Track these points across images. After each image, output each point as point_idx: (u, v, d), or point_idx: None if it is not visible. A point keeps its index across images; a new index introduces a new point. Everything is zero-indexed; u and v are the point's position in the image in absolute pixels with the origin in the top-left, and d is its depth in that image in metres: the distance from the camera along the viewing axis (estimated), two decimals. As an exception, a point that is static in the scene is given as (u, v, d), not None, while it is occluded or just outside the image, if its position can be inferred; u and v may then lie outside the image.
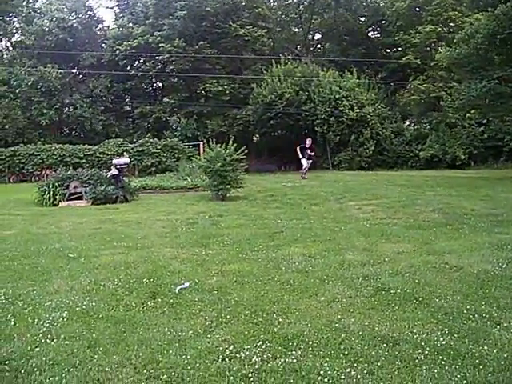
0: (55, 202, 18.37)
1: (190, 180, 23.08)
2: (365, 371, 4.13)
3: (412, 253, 8.50)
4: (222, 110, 37.98)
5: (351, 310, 5.68)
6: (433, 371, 4.11)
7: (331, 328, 5.12)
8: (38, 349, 4.75)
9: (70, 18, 40.96)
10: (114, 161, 20.25)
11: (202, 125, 37.88)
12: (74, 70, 42.84)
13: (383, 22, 43.90)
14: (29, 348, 4.76)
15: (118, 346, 4.77)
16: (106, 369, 4.29)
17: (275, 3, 48.58)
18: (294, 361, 4.35)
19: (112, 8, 47.10)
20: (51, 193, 18.51)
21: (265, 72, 36.33)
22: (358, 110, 33.19)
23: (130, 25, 40.66)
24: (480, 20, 23.05)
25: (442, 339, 4.73)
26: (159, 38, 36.98)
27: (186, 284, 6.80)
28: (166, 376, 4.13)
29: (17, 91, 36.25)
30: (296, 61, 37.97)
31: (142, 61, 41.51)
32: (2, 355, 4.59)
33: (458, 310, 5.57)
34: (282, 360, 4.38)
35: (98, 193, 18.48)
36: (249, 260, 8.34)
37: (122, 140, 34.43)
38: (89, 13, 43.60)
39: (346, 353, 4.49)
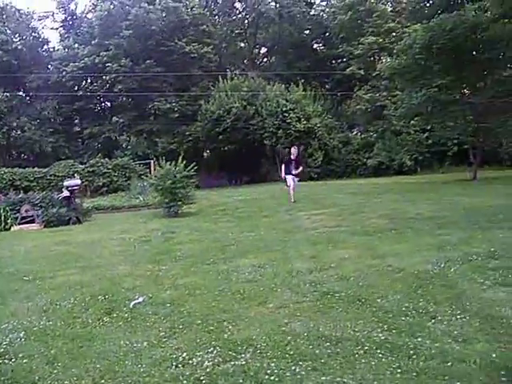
0: (7, 227, 18.24)
1: (141, 198, 23.30)
2: (309, 368, 4.45)
3: (357, 258, 8.85)
4: (171, 128, 38.41)
5: (298, 314, 5.97)
6: (371, 364, 4.45)
7: (278, 332, 5.41)
8: (-3, 369, 4.94)
9: (14, 39, 40.70)
10: (65, 183, 20.36)
11: (152, 143, 38.14)
12: (21, 93, 42.48)
13: (327, 34, 44.99)
14: (-10, 369, 4.95)
15: (76, 361, 4.99)
16: (65, 382, 4.51)
17: (220, 19, 49.24)
18: (243, 363, 4.64)
19: (57, 29, 46.89)
20: (2, 217, 18.41)
21: (212, 88, 36.87)
22: (304, 122, 33.99)
23: (76, 45, 40.69)
24: (417, 31, 23.88)
25: (381, 335, 5.09)
26: (106, 58, 37.30)
27: (141, 299, 7.04)
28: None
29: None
30: (242, 76, 38.69)
31: (89, 81, 41.72)
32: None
33: (397, 307, 5.93)
34: (232, 363, 4.66)
35: (50, 215, 18.46)
36: (200, 273, 8.60)
37: (72, 161, 34.27)
38: (33, 34, 43.43)
39: (292, 353, 4.80)
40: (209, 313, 6.26)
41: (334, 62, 42.30)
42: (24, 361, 5.08)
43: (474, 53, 24.04)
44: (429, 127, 31.25)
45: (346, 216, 14.77)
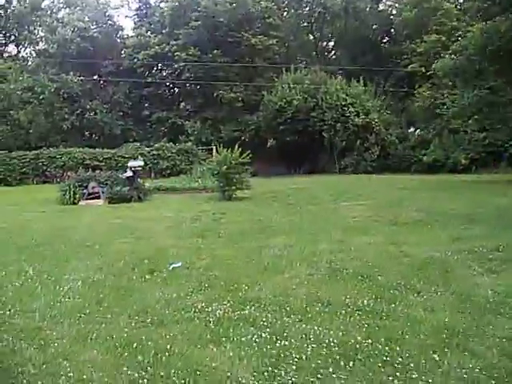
0: (75, 201, 19.92)
1: (200, 182, 24.52)
2: (296, 319, 5.62)
3: (377, 244, 9.87)
4: (235, 116, 39.62)
5: (305, 283, 7.11)
6: (346, 320, 5.57)
7: (284, 294, 6.59)
8: (58, 304, 6.34)
9: (91, 27, 42.80)
10: (129, 163, 21.91)
11: (216, 130, 39.31)
12: (95, 77, 44.58)
13: (392, 30, 45.22)
14: (51, 303, 6.35)
15: (118, 303, 6.34)
16: (108, 316, 5.86)
17: (288, 13, 50.00)
18: (247, 313, 5.87)
19: (131, 17, 48.75)
20: (71, 192, 20.09)
21: (275, 79, 37.81)
22: (363, 117, 34.62)
23: (148, 34, 42.37)
24: (473, 32, 24.23)
25: (365, 302, 6.16)
26: (175, 47, 38.83)
27: (179, 264, 8.34)
28: (149, 320, 5.69)
29: (40, 97, 37.67)
30: (305, 69, 39.41)
31: (158, 68, 43.35)
32: (32, 307, 6.18)
33: (391, 283, 6.95)
34: (238, 312, 5.88)
35: (113, 193, 20.06)
36: (236, 248, 9.85)
37: (139, 144, 36.04)
38: (109, 22, 45.43)
39: (288, 309, 5.96)
40: (233, 277, 7.46)
41: (397, 58, 42.36)
42: (79, 300, 6.50)
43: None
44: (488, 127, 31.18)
45: (386, 208, 15.64)
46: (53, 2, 47.51)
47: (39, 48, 45.63)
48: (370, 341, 4.93)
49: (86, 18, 43.25)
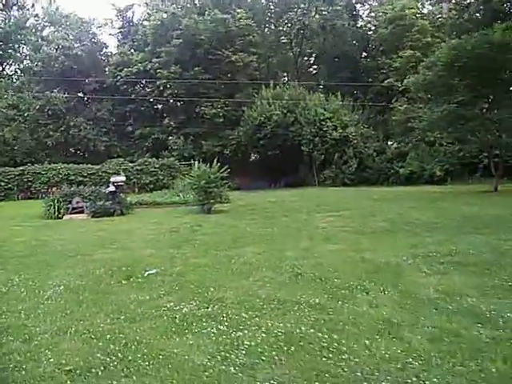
0: (59, 216, 20.67)
1: (181, 196, 25.26)
2: (253, 315, 6.31)
3: (340, 251, 10.58)
4: (216, 131, 40.51)
5: (267, 286, 7.81)
6: (296, 315, 6.28)
7: (246, 295, 7.30)
8: (42, 305, 7.07)
9: (75, 45, 43.58)
10: (112, 179, 22.66)
11: (198, 145, 40.18)
12: (80, 94, 45.29)
13: (369, 46, 46.38)
14: (36, 305, 7.08)
15: (96, 304, 7.06)
16: (86, 314, 6.60)
17: (267, 30, 51.04)
18: (210, 310, 6.59)
19: (115, 35, 49.58)
20: (56, 207, 20.84)
21: (255, 95, 38.75)
22: (340, 131, 35.65)
23: (131, 51, 43.26)
24: (442, 49, 25.23)
25: (317, 300, 6.87)
26: (157, 65, 39.82)
27: (154, 270, 9.07)
28: (123, 317, 6.42)
29: (25, 115, 38.44)
30: (285, 84, 40.44)
31: (141, 85, 44.16)
32: (18, 309, 6.91)
33: (344, 285, 7.64)
34: (202, 310, 6.61)
35: (97, 207, 20.79)
36: (209, 256, 10.58)
37: (122, 160, 36.83)
38: (93, 40, 46.24)
39: (247, 307, 6.68)
40: (202, 281, 8.18)
41: (374, 73, 43.45)
42: (61, 302, 7.22)
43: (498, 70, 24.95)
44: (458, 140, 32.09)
45: (356, 218, 16.46)
46: (37, 21, 48.27)
47: (24, 66, 46.23)
48: (313, 331, 5.64)
49: (71, 37, 44.09)
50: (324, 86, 43.44)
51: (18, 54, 46.29)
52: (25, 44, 45.18)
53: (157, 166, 35.26)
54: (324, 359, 4.90)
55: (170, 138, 41.07)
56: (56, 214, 20.67)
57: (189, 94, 39.80)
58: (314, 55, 52.56)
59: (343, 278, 8.11)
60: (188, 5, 43.97)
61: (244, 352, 5.12)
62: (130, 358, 5.05)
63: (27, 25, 46.28)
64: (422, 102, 35.95)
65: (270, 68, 49.16)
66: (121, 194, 22.14)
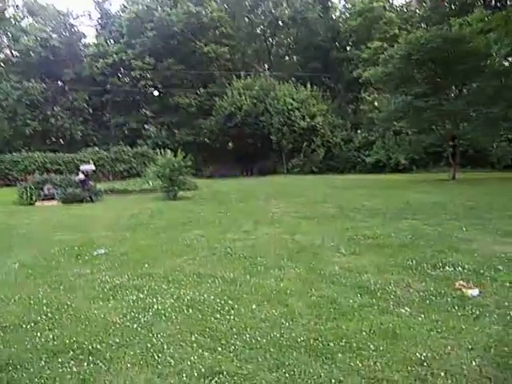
0: (31, 202, 21.77)
1: (151, 183, 26.32)
2: (176, 285, 7.40)
3: (276, 234, 11.65)
4: (189, 121, 41.57)
5: (195, 263, 8.89)
6: (207, 286, 7.40)
7: (173, 270, 8.41)
8: (-3, 278, 8.23)
9: (53, 36, 44.29)
10: (81, 167, 23.72)
11: (172, 134, 41.21)
12: (59, 83, 46.05)
13: (339, 38, 47.43)
14: (-9, 278, 8.24)
15: (42, 277, 8.20)
16: (32, 285, 7.76)
17: (242, 22, 51.76)
18: (137, 283, 7.72)
19: (93, 26, 50.38)
20: (29, 194, 21.90)
21: (227, 86, 39.82)
22: (308, 120, 36.79)
23: (108, 42, 44.13)
24: (400, 43, 26.37)
25: (232, 275, 7.83)
26: (132, 56, 40.63)
27: (103, 250, 10.21)
28: (62, 287, 7.57)
29: (3, 104, 39.09)
30: (255, 75, 41.52)
31: (117, 75, 45.00)
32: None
33: (263, 263, 8.62)
34: (131, 282, 7.74)
35: (67, 194, 21.88)
36: (157, 238, 11.70)
37: (97, 148, 37.65)
38: (72, 30, 46.95)
39: (171, 279, 7.80)
40: (141, 259, 9.30)
41: (345, 64, 44.40)
42: (12, 276, 8.36)
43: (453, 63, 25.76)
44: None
45: (308, 205, 17.65)
46: (16, 11, 48.84)
47: (2, 56, 46.79)
48: (213, 298, 6.70)
49: (49, 28, 44.72)
50: (296, 76, 44.34)
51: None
52: (4, 35, 45.89)
53: (131, 154, 36.25)
54: (212, 319, 5.91)
55: (145, 126, 42.04)
56: (28, 200, 21.74)
57: (163, 84, 40.82)
58: (286, 46, 53.46)
59: (266, 256, 9.05)
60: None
61: (151, 314, 6.17)
62: (56, 317, 6.16)
63: (7, 16, 46.98)
64: (390, 93, 37.11)
65: (246, 59, 50.09)
66: (90, 182, 23.18)
